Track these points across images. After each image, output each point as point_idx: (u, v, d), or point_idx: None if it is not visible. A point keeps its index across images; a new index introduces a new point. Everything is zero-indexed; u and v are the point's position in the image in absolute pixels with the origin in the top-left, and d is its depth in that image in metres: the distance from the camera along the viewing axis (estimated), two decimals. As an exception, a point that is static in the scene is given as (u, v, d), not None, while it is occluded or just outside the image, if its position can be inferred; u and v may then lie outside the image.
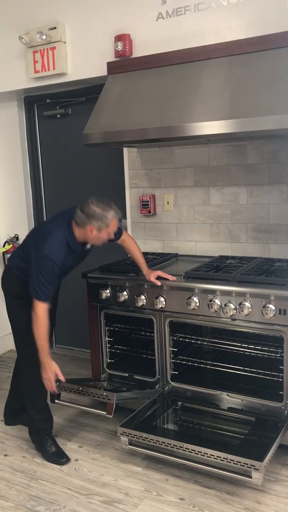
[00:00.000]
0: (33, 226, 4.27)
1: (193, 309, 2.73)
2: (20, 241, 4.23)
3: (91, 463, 2.70)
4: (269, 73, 2.64)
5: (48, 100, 3.98)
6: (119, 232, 2.86)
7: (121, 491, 2.46)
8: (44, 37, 3.45)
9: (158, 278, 2.81)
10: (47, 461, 2.74)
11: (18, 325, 2.77)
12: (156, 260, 3.23)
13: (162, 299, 2.83)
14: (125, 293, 2.96)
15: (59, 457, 2.73)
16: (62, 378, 2.60)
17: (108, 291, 3.00)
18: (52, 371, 2.56)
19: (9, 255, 4.16)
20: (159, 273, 2.82)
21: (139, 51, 3.18)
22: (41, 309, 2.52)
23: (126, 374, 3.09)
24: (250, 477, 2.23)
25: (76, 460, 2.73)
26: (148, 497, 2.40)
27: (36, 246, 2.56)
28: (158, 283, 2.79)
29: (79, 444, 2.88)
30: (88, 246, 2.72)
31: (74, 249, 2.61)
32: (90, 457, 2.75)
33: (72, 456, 2.76)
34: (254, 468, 2.20)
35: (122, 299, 2.96)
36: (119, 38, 3.20)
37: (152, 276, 2.81)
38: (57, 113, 3.98)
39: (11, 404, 3.11)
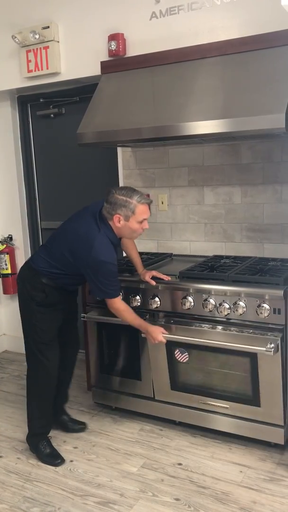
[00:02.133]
0: (27, 226, 4.26)
1: (188, 308, 2.72)
2: (14, 241, 4.22)
3: (86, 464, 2.69)
4: (263, 72, 2.64)
5: (41, 100, 3.95)
6: None
7: (116, 491, 2.45)
8: (37, 36, 3.43)
9: (153, 278, 2.80)
10: (42, 462, 2.73)
11: (36, 333, 2.67)
12: (150, 260, 3.23)
13: (157, 299, 2.83)
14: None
15: (54, 459, 2.72)
16: (166, 333, 2.68)
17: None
18: (158, 335, 2.64)
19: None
20: (154, 273, 2.82)
21: (132, 51, 3.17)
22: (117, 303, 2.60)
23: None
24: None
25: (71, 461, 2.72)
26: (143, 498, 2.39)
27: (81, 254, 2.50)
28: (153, 283, 2.78)
29: (74, 445, 2.87)
30: None
31: (116, 243, 2.61)
32: (85, 458, 2.74)
33: (67, 457, 2.75)
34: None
35: (116, 299, 2.95)
36: (112, 37, 3.19)
37: (147, 276, 2.80)
38: (50, 112, 3.97)
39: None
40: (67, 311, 2.80)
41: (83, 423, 3.03)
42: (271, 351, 2.44)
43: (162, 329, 2.69)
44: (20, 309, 2.75)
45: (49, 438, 2.82)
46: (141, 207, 2.48)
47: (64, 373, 2.91)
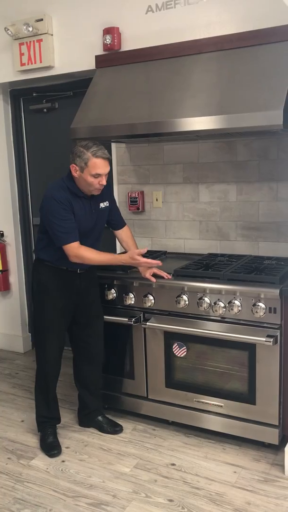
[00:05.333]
0: (19, 222, 4.20)
1: (182, 307, 2.69)
2: (6, 237, 4.17)
3: (78, 464, 2.65)
4: (260, 68, 2.61)
5: (34, 94, 3.89)
6: (120, 222, 2.89)
7: (109, 492, 2.41)
8: (30, 29, 3.36)
9: (154, 275, 2.76)
10: (40, 449, 2.76)
11: (35, 321, 2.77)
12: (144, 257, 3.18)
13: (151, 297, 2.79)
14: (113, 291, 2.91)
15: (51, 449, 2.74)
16: (144, 251, 2.60)
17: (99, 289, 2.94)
18: (136, 257, 2.54)
19: None
20: (155, 270, 2.76)
21: (128, 45, 3.12)
22: (75, 249, 2.51)
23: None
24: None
25: (63, 461, 2.68)
26: (136, 499, 2.36)
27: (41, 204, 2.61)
28: (154, 280, 2.72)
29: (66, 445, 2.82)
30: (103, 205, 2.67)
31: (76, 192, 2.55)
32: (77, 458, 2.70)
33: (58, 457, 2.71)
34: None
35: (110, 297, 2.91)
36: (107, 31, 3.14)
37: (147, 273, 2.74)
38: (43, 107, 3.91)
39: (82, 408, 2.99)
40: (79, 309, 2.74)
41: (119, 426, 2.92)
42: (270, 342, 2.42)
43: (136, 251, 2.57)
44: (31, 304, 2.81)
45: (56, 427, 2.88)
46: (95, 160, 2.45)
47: (88, 374, 2.90)
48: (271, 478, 2.47)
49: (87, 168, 2.46)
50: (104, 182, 2.53)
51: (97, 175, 2.48)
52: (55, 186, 2.56)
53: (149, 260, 2.63)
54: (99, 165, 2.46)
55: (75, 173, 2.51)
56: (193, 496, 2.36)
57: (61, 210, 2.49)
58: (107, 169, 2.52)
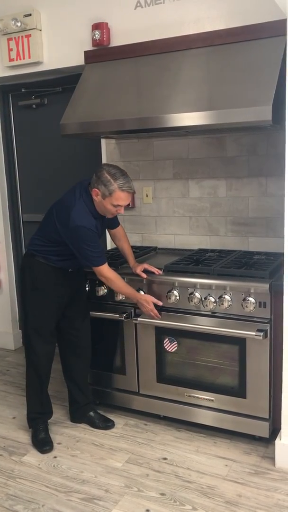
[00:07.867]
0: (8, 219, 4.18)
1: (173, 302, 2.70)
2: (-5, 234, 4.15)
3: (70, 460, 2.66)
4: (249, 64, 2.61)
5: (23, 90, 3.87)
6: (115, 222, 2.91)
7: (101, 487, 2.42)
8: (19, 24, 3.34)
9: (145, 271, 2.77)
10: (32, 446, 2.77)
11: (28, 318, 2.73)
12: (135, 253, 3.17)
13: (142, 293, 2.79)
14: (103, 287, 2.91)
15: (43, 445, 2.74)
16: (160, 303, 2.71)
17: (86, 285, 2.95)
18: (150, 302, 2.67)
19: None
20: (146, 266, 2.79)
21: (117, 40, 3.12)
22: (105, 271, 2.60)
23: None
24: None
25: (55, 457, 2.68)
26: (128, 493, 2.37)
27: (62, 223, 2.54)
28: (144, 275, 2.75)
29: (57, 441, 2.83)
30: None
31: (95, 215, 2.57)
32: (69, 454, 2.71)
33: (50, 453, 2.71)
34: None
35: (101, 293, 2.92)
36: (96, 26, 3.13)
37: (138, 269, 2.77)
38: (32, 103, 3.88)
39: (72, 402, 3.00)
40: (68, 304, 2.76)
41: (111, 421, 2.94)
42: (260, 336, 2.44)
43: (152, 298, 2.69)
44: (21, 300, 2.77)
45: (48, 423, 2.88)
46: (120, 193, 2.47)
47: (77, 369, 2.92)
48: (261, 470, 2.49)
49: (110, 197, 2.48)
50: (122, 212, 2.58)
51: (118, 206, 2.52)
52: (81, 214, 2.52)
53: (154, 305, 2.71)
54: (123, 198, 2.50)
55: (96, 197, 2.52)
56: (184, 489, 2.38)
57: (92, 237, 2.52)
58: (129, 201, 2.56)
